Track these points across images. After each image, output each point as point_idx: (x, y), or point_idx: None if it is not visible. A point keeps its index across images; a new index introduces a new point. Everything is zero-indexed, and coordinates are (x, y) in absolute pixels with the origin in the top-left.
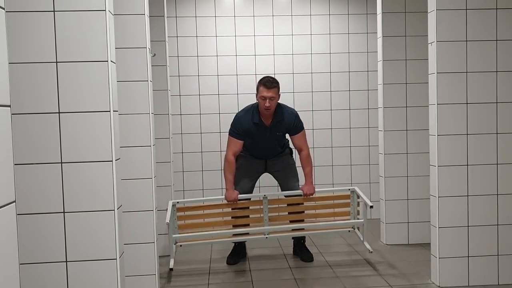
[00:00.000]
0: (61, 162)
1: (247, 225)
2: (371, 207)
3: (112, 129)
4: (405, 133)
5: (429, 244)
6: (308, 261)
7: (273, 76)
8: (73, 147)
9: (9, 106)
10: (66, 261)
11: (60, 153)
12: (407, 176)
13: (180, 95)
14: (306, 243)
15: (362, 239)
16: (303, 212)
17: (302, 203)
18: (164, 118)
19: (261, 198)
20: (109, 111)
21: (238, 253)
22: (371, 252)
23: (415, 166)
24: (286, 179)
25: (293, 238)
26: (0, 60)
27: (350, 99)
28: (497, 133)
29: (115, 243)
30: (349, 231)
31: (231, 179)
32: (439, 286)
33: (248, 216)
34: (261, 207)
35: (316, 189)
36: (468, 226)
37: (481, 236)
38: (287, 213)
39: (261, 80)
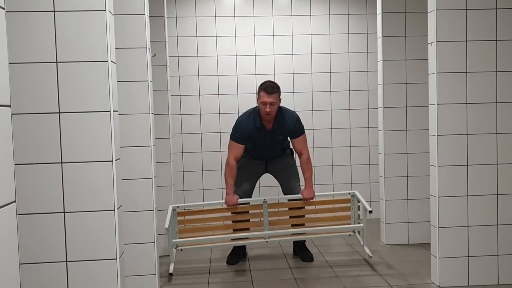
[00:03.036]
0: (61, 162)
1: (247, 229)
2: (370, 212)
3: (112, 129)
4: (405, 133)
5: (429, 244)
6: (308, 261)
7: (273, 80)
8: (73, 147)
9: (9, 106)
10: (66, 261)
11: (60, 153)
12: (407, 176)
13: (180, 95)
14: (306, 243)
15: (362, 243)
16: (304, 216)
17: (303, 207)
18: (164, 118)
19: (261, 203)
20: (109, 111)
21: (238, 253)
22: (371, 257)
23: (415, 166)
24: (287, 180)
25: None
26: (0, 60)
27: (350, 99)
28: (497, 133)
29: (115, 243)
30: (349, 235)
31: (231, 184)
32: (439, 286)
33: (248, 220)
34: (261, 211)
35: (316, 193)
36: (468, 226)
37: (481, 236)
38: (287, 217)
39: (261, 85)
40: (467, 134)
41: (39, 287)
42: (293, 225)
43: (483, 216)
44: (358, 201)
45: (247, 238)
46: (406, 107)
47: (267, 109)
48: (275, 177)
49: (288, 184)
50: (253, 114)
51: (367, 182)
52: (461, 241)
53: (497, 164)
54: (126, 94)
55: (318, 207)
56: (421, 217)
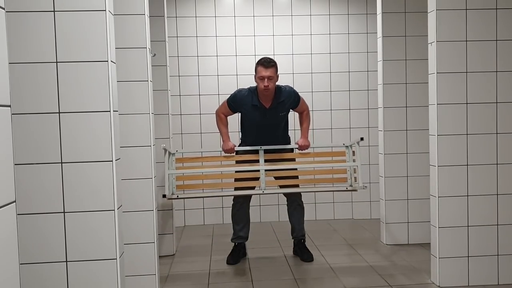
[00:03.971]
0: (61, 162)
1: (246, 188)
2: (362, 139)
3: (112, 129)
4: (405, 133)
5: (429, 244)
6: (308, 261)
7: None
8: (73, 147)
9: (9, 106)
10: (66, 261)
11: (60, 153)
12: (407, 176)
13: (180, 95)
14: (306, 243)
15: (357, 181)
16: (298, 177)
17: (295, 159)
18: (164, 118)
19: (259, 152)
20: (109, 111)
21: (238, 253)
22: (365, 187)
23: (415, 166)
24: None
25: (293, 238)
26: (0, 60)
27: (350, 99)
28: (497, 133)
29: (115, 243)
30: (346, 188)
31: (225, 131)
32: (439, 286)
33: (246, 179)
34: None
35: (312, 148)
36: (468, 226)
37: (481, 236)
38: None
39: (259, 60)
40: (467, 134)
41: (39, 287)
42: (288, 179)
43: (483, 216)
44: (354, 154)
45: (245, 188)
46: (406, 107)
47: (265, 83)
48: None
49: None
50: (251, 93)
51: (367, 182)
52: (461, 241)
53: (497, 164)
54: (126, 94)
55: (315, 159)
56: (421, 217)
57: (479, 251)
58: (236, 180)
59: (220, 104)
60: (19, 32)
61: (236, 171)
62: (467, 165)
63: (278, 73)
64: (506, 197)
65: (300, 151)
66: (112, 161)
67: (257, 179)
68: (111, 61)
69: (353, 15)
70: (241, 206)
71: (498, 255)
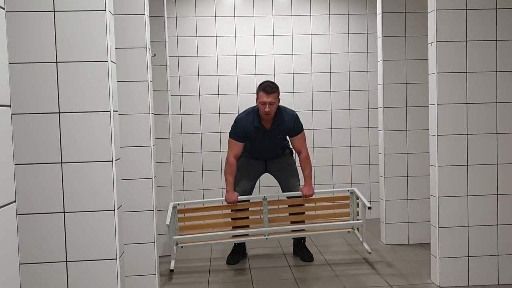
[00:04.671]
0: (61, 162)
1: (247, 227)
2: (369, 208)
3: (112, 129)
4: (405, 133)
5: (429, 244)
6: (308, 261)
7: (273, 80)
8: (73, 147)
9: (9, 106)
10: (66, 261)
11: (60, 153)
12: (407, 176)
13: (180, 95)
14: (306, 243)
15: (361, 240)
16: (304, 213)
17: (302, 204)
18: (164, 118)
19: (261, 200)
20: (109, 111)
21: (238, 253)
22: (370, 253)
23: (415, 166)
24: (287, 179)
25: (293, 238)
26: (0, 60)
27: (350, 99)
28: (497, 133)
29: (115, 243)
30: (348, 232)
31: (231, 181)
32: (439, 286)
33: (248, 218)
34: (261, 208)
35: (315, 190)
36: (468, 226)
37: (481, 236)
38: (287, 214)
39: (260, 85)
40: (467, 134)
41: (39, 287)
42: (293, 223)
43: (483, 216)
44: (357, 198)
45: (247, 235)
46: (406, 107)
47: (266, 109)
48: (274, 177)
49: (288, 183)
50: (252, 114)
51: (367, 182)
52: (461, 241)
53: (497, 164)
54: (126, 94)
55: (317, 204)
56: (421, 217)
57: (479, 251)
58: (235, 227)
59: (219, 104)
60: (19, 32)
61: (236, 218)
62: (467, 165)
63: (280, 97)
64: (506, 197)
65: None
66: (112, 161)
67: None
68: (111, 61)
69: (353, 15)
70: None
71: (498, 255)
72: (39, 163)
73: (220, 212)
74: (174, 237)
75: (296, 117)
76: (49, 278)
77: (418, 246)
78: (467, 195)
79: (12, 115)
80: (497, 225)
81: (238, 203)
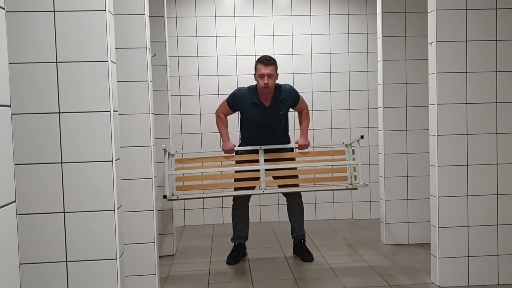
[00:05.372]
0: (61, 162)
1: (246, 188)
2: (362, 137)
3: (112, 129)
4: (405, 133)
5: (429, 244)
6: (308, 261)
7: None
8: (73, 147)
9: (9, 106)
10: (66, 261)
11: (60, 153)
12: (407, 176)
13: (180, 95)
14: (306, 243)
15: (358, 180)
16: (297, 176)
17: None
18: (164, 118)
19: (259, 152)
20: (109, 111)
21: (238, 253)
22: (366, 185)
23: (415, 166)
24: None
25: (293, 238)
26: (0, 60)
27: (350, 99)
28: (497, 133)
29: (115, 243)
30: (346, 187)
31: (225, 131)
32: (439, 286)
33: (247, 180)
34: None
35: (312, 148)
36: (468, 226)
37: (481, 236)
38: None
39: (258, 58)
40: (467, 134)
41: (39, 287)
42: (288, 178)
43: (483, 216)
44: (354, 153)
45: (245, 188)
46: (406, 107)
47: (265, 81)
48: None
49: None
50: (251, 91)
51: (367, 181)
52: (461, 241)
53: (497, 164)
54: (126, 94)
55: (315, 158)
56: (421, 217)
57: (479, 251)
58: (236, 180)
59: (220, 104)
60: (19, 32)
61: (236, 171)
62: (467, 165)
63: (278, 71)
64: (506, 197)
65: (300, 151)
66: (112, 161)
67: (257, 179)
68: (111, 61)
69: (353, 15)
70: (240, 206)
71: (498, 255)
72: (39, 163)
73: (218, 163)
74: (169, 173)
75: (293, 88)
76: (49, 278)
77: (418, 246)
78: (467, 195)
79: (12, 115)
80: (497, 225)
81: (235, 156)
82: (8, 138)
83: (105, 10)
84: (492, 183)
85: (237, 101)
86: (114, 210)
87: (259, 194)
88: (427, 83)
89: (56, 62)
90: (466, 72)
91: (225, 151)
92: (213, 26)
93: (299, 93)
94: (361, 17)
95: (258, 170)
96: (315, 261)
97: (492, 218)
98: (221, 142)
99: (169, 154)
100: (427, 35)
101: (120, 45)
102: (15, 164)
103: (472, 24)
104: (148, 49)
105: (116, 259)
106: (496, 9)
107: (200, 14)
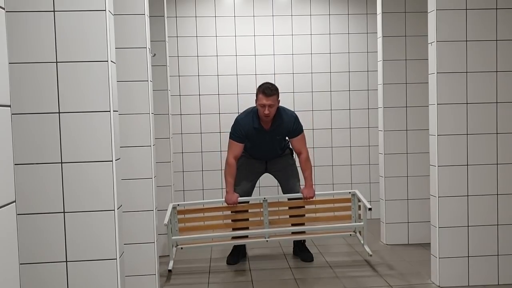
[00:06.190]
0: (61, 162)
1: (247, 228)
2: (370, 209)
3: (112, 129)
4: (405, 133)
5: (429, 244)
6: (308, 261)
7: (273, 80)
8: (73, 147)
9: (9, 106)
10: (66, 261)
11: (60, 153)
12: (407, 176)
13: (180, 95)
14: (306, 244)
15: (362, 242)
16: (304, 215)
17: (303, 206)
18: (164, 118)
19: (261, 201)
20: (109, 111)
21: (238, 253)
22: (371, 255)
23: (415, 166)
24: (287, 180)
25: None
26: (0, 60)
27: (350, 99)
28: (497, 133)
29: (115, 243)
30: (350, 235)
31: (231, 182)
32: (439, 286)
33: (248, 219)
34: (261, 210)
35: (316, 192)
36: (468, 226)
37: (481, 236)
38: (287, 216)
39: (260, 87)
40: (467, 134)
41: (39, 287)
42: (293, 225)
43: (483, 216)
44: (359, 201)
45: (247, 236)
46: (406, 107)
47: (266, 111)
48: (275, 176)
49: (288, 183)
50: (251, 114)
51: (367, 182)
52: (461, 241)
53: (497, 164)
54: (126, 94)
55: (318, 206)
56: (421, 217)
57: (479, 251)
58: (235, 229)
59: (219, 104)
60: (19, 32)
61: (236, 220)
62: (467, 165)
63: (280, 98)
64: (506, 197)
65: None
66: (112, 161)
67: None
68: (111, 61)
69: (353, 15)
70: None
71: (498, 255)
72: (39, 163)
73: (220, 213)
74: (173, 238)
75: (296, 118)
76: (49, 278)
77: (418, 246)
78: (467, 195)
79: (12, 115)
80: (497, 225)
81: (238, 205)
82: (8, 138)
83: (105, 10)
84: (492, 183)
85: (242, 129)
86: (114, 210)
87: (262, 240)
88: (427, 83)
89: (56, 62)
90: (466, 72)
91: (229, 203)
92: (213, 26)
93: (300, 93)
94: (361, 17)
95: (262, 219)
96: (315, 261)
97: (492, 218)
98: (224, 193)
99: (173, 207)
100: (427, 35)
101: (120, 45)
102: (15, 164)
103: (472, 24)
104: (148, 49)
105: (116, 259)
106: (496, 9)
107: (200, 14)
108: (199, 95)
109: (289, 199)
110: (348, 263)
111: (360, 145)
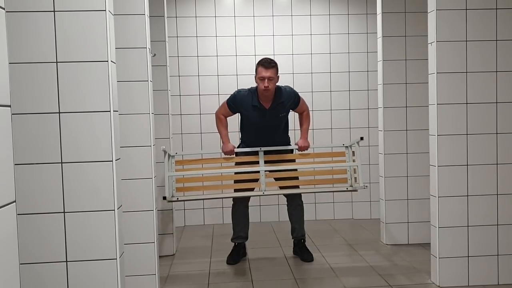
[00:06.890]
0: (61, 162)
1: (246, 190)
2: (362, 138)
3: (112, 129)
4: (405, 133)
5: (429, 244)
6: (308, 261)
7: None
8: (73, 147)
9: (9, 106)
10: (66, 261)
11: (60, 153)
12: (407, 176)
13: (180, 95)
14: (306, 243)
15: (357, 181)
16: (298, 178)
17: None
18: (164, 118)
19: (258, 153)
20: (109, 111)
21: (238, 253)
22: (366, 187)
23: (415, 166)
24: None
25: (293, 238)
26: (0, 60)
27: (350, 99)
28: (497, 133)
29: (115, 243)
30: (347, 189)
31: (225, 133)
32: (439, 286)
33: (247, 181)
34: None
35: (312, 151)
36: (468, 226)
37: (481, 236)
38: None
39: (259, 61)
40: (467, 134)
41: (39, 287)
42: (289, 179)
43: (483, 216)
44: (354, 155)
45: (245, 190)
46: (406, 107)
47: (265, 84)
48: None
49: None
50: (251, 93)
51: (367, 182)
52: (461, 241)
53: (497, 164)
54: (126, 94)
55: (315, 159)
56: (421, 217)
57: (479, 251)
58: (236, 181)
59: (219, 105)
60: (19, 32)
61: (236, 173)
62: (467, 165)
63: (279, 73)
64: (506, 197)
65: (300, 152)
66: (112, 161)
67: (256, 180)
68: (111, 61)
69: (353, 15)
70: (240, 206)
71: (498, 255)
72: (39, 163)
73: (218, 165)
74: (169, 174)
75: (294, 91)
76: (49, 278)
77: (418, 246)
78: (467, 195)
79: (12, 115)
80: (497, 225)
81: (235, 158)
82: (8, 138)
83: (105, 10)
84: (492, 183)
85: (237, 103)
86: (114, 210)
87: (259, 195)
88: (427, 83)
89: (56, 62)
90: (466, 72)
91: (225, 153)
92: (213, 26)
93: (300, 93)
94: (361, 17)
95: (258, 172)
96: (315, 261)
97: (492, 218)
98: (221, 143)
99: (169, 155)
100: (427, 35)
101: (120, 45)
102: (15, 164)
103: (472, 24)
104: (148, 49)
105: (116, 259)
106: (496, 9)
107: (200, 14)
108: (199, 95)
109: (284, 150)
110: (348, 263)
111: (360, 145)
